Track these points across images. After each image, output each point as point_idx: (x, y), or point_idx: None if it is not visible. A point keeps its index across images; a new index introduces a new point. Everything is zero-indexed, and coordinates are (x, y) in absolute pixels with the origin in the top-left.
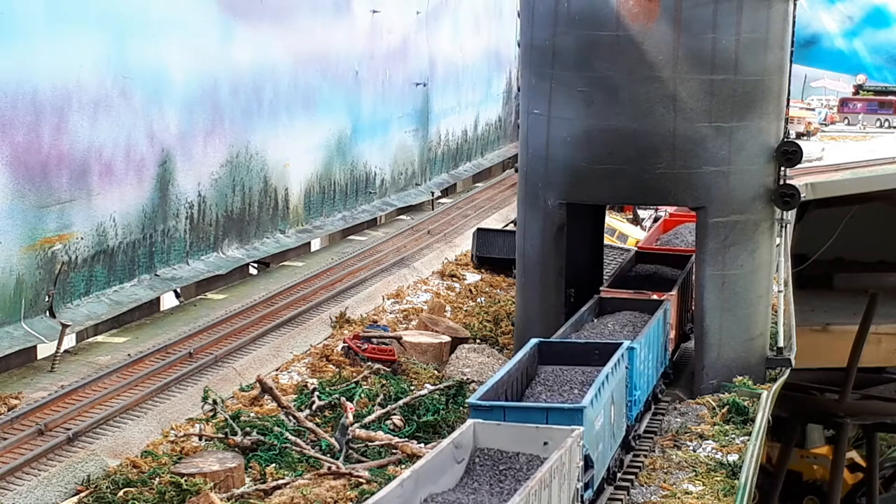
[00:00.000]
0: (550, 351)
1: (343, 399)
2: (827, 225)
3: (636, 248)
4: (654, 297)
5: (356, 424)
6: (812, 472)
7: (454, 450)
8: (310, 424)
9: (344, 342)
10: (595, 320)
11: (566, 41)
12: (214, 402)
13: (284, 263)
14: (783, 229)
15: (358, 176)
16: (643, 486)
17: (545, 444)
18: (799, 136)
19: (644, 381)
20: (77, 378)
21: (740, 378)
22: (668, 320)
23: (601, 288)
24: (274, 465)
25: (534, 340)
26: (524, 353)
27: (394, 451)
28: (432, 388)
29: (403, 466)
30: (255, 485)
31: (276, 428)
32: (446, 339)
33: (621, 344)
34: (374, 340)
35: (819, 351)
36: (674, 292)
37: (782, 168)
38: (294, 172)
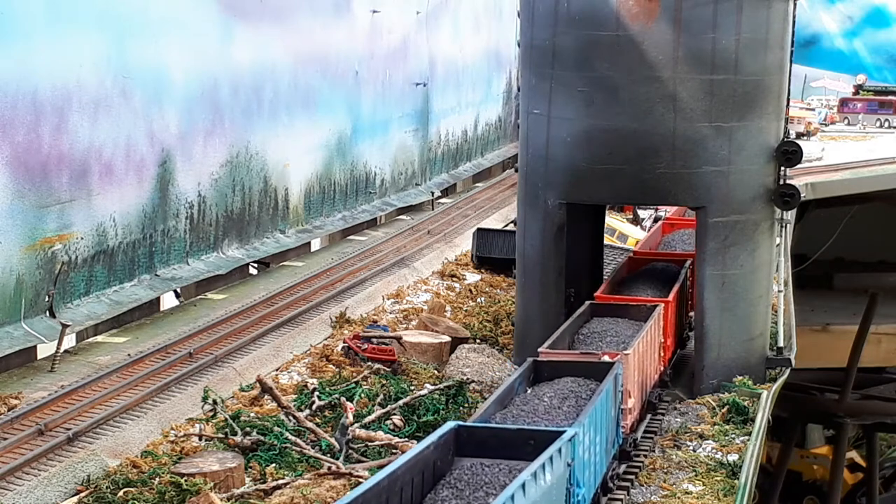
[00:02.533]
0: (471, 439)
1: (343, 399)
2: (827, 225)
3: (592, 301)
4: (605, 357)
5: (356, 424)
6: (812, 472)
7: None
8: (310, 424)
9: (344, 342)
10: (529, 390)
11: (566, 41)
12: (214, 402)
13: (284, 263)
14: (783, 229)
15: (358, 176)
16: (643, 486)
17: None
18: (799, 136)
19: (590, 474)
20: (77, 378)
21: (740, 378)
22: (619, 387)
23: (540, 349)
24: (274, 465)
25: (450, 424)
26: (433, 440)
27: (394, 451)
28: (432, 388)
29: None
30: (255, 485)
31: (276, 428)
32: (446, 339)
33: (560, 433)
34: (374, 340)
35: (819, 351)
36: (629, 352)
37: (782, 168)
38: (294, 172)
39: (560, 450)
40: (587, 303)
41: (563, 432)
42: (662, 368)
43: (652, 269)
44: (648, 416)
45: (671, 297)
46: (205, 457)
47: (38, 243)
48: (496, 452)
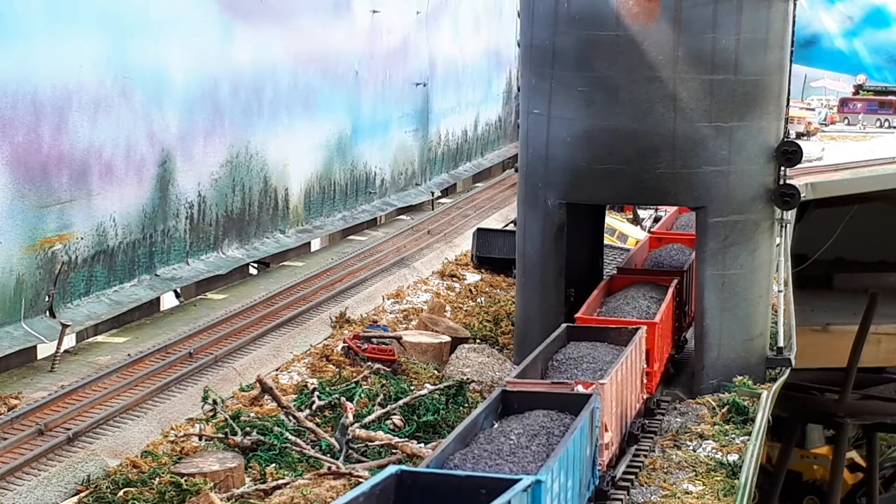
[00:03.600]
0: (415, 486)
1: (343, 399)
2: (827, 225)
3: (569, 324)
4: (579, 388)
5: (356, 424)
6: (812, 472)
7: None
8: (310, 424)
9: (344, 342)
10: (496, 425)
11: (566, 41)
12: (214, 402)
13: (284, 263)
14: (783, 229)
15: (358, 176)
16: (643, 486)
17: None
18: (799, 136)
19: None
20: (77, 378)
21: (740, 378)
22: (596, 422)
23: (508, 378)
24: (274, 465)
25: (392, 469)
26: (367, 488)
27: (394, 451)
28: (432, 388)
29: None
30: (255, 485)
31: (276, 428)
32: (446, 339)
33: (519, 480)
34: (374, 340)
35: (819, 351)
36: (605, 381)
37: (782, 168)
38: (294, 172)
39: (510, 502)
40: (563, 325)
41: (518, 480)
42: (646, 396)
43: (638, 288)
44: (631, 448)
45: (658, 318)
46: (205, 457)
47: (38, 243)
48: (443, 502)
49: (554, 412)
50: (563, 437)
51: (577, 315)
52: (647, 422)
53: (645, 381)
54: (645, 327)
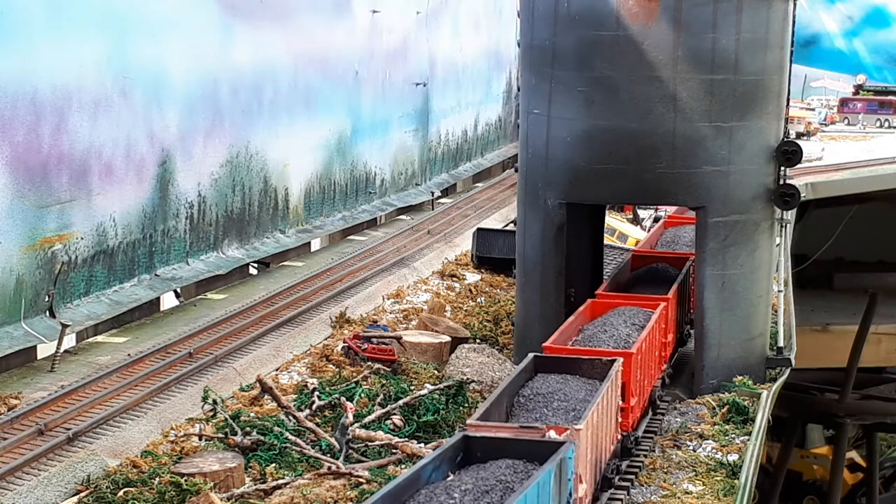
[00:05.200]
0: None
1: (343, 399)
2: (827, 225)
3: (537, 354)
4: (551, 433)
5: (356, 424)
6: (812, 472)
7: None
8: (310, 424)
9: (344, 342)
10: (450, 477)
11: (566, 41)
12: (214, 402)
13: (284, 263)
14: (783, 229)
15: (358, 176)
16: (643, 486)
17: None
18: (799, 136)
19: None
20: (77, 378)
21: (740, 378)
22: (568, 474)
23: (470, 421)
24: (274, 465)
25: None
26: None
27: (394, 451)
28: (432, 388)
29: (403, 466)
30: (255, 485)
31: (276, 428)
32: (446, 339)
33: None
34: (374, 340)
35: (819, 351)
36: (580, 426)
37: (782, 168)
38: (294, 172)
39: None
40: (531, 355)
41: None
42: (620, 437)
43: (619, 315)
44: (604, 496)
45: (634, 348)
46: (205, 457)
47: (38, 243)
48: None
49: (521, 462)
50: (514, 494)
51: (545, 343)
52: (622, 464)
53: (620, 419)
54: (621, 359)
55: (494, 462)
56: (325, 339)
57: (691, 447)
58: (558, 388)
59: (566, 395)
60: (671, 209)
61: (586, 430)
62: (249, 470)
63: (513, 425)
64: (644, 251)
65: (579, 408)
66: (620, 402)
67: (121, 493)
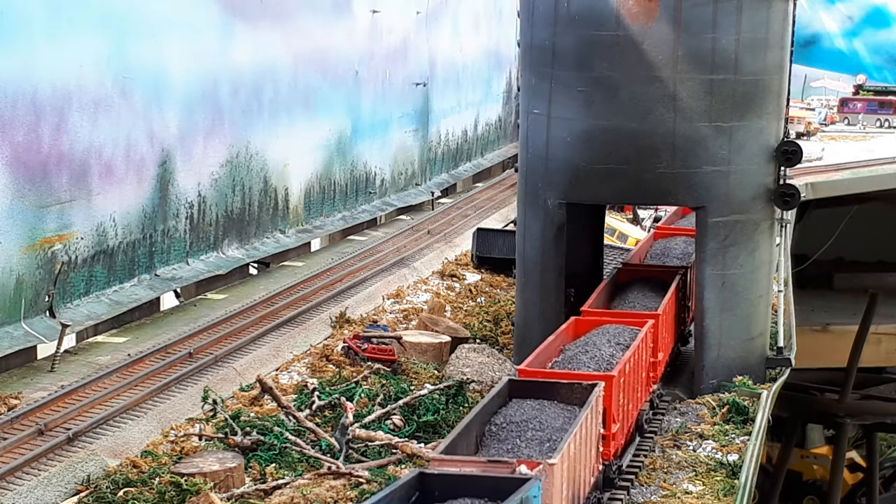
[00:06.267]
0: None
1: (343, 399)
2: (827, 225)
3: (511, 377)
4: (522, 468)
5: (356, 424)
6: (812, 472)
7: None
8: (310, 424)
9: (344, 342)
10: None
11: (566, 41)
12: (214, 402)
13: (284, 263)
14: (783, 229)
15: (358, 176)
16: (643, 486)
17: None
18: (799, 136)
19: None
20: (77, 378)
21: (740, 378)
22: None
23: (433, 454)
24: (274, 465)
25: None
26: None
27: (394, 451)
28: (432, 388)
29: (403, 466)
30: (255, 485)
31: (276, 428)
32: (446, 339)
33: None
34: (374, 340)
35: (819, 351)
36: (555, 460)
37: (782, 168)
38: (294, 172)
39: None
40: (506, 378)
41: None
42: (602, 467)
43: (602, 333)
44: None
45: (616, 370)
46: (205, 457)
47: (38, 243)
48: None
49: (481, 502)
50: None
51: (519, 366)
52: (603, 496)
53: (601, 447)
54: (602, 383)
55: (453, 502)
56: (325, 339)
57: (691, 447)
58: (534, 416)
59: (542, 424)
60: (670, 210)
61: (561, 464)
62: (249, 470)
63: (479, 459)
64: (633, 264)
65: (556, 437)
66: (602, 430)
67: (121, 493)
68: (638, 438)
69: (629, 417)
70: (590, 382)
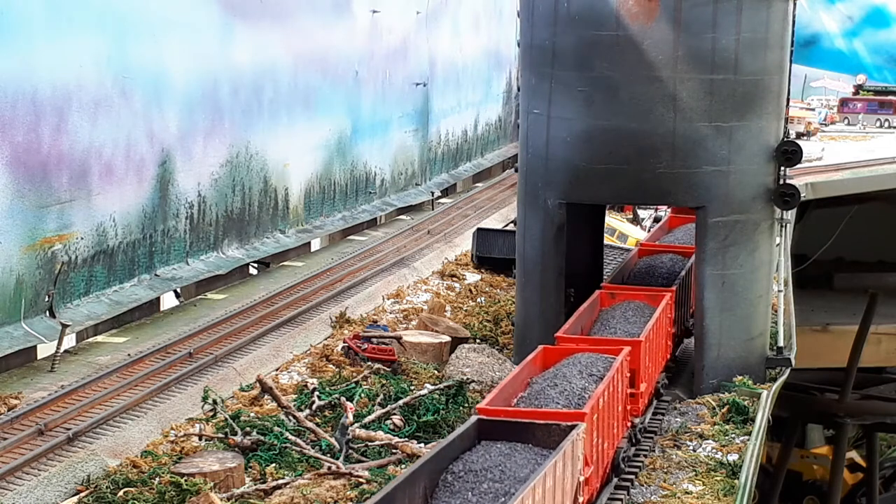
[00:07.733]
0: None
1: (343, 399)
2: (827, 225)
3: (480, 417)
4: None
5: (356, 424)
6: (812, 472)
7: None
8: (310, 424)
9: (344, 342)
10: None
11: (566, 41)
12: (214, 402)
13: (284, 263)
14: (783, 229)
15: (358, 176)
16: (643, 485)
17: None
18: (799, 136)
19: None
20: (77, 378)
21: (740, 378)
22: None
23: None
24: (274, 465)
25: None
26: None
27: (394, 451)
28: (432, 388)
29: (403, 466)
30: (255, 485)
31: (276, 428)
32: (446, 339)
33: None
34: (374, 340)
35: (819, 351)
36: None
37: (782, 168)
38: (294, 172)
39: None
40: (474, 417)
41: None
42: None
43: (574, 363)
44: None
45: (588, 407)
46: (205, 457)
47: (38, 243)
48: None
49: None
50: None
51: (480, 405)
52: None
53: (582, 497)
54: (583, 424)
55: None
56: (325, 339)
57: (691, 447)
58: (498, 463)
59: (503, 474)
60: (666, 210)
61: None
62: (249, 470)
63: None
64: (614, 287)
65: (514, 491)
66: (581, 477)
67: (121, 493)
68: (615, 479)
69: (605, 457)
70: (568, 424)
